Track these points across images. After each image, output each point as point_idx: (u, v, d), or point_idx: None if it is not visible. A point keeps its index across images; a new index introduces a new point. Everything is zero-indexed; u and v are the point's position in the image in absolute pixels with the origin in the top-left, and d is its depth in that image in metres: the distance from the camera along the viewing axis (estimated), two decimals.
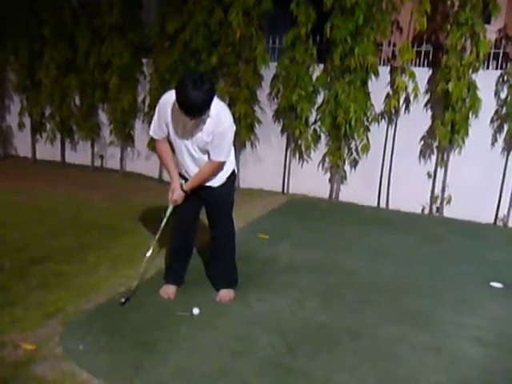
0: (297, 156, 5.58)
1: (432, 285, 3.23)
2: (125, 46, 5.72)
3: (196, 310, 2.67)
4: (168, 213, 2.75)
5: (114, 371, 2.16)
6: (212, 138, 2.49)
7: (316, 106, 5.31)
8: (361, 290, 3.10)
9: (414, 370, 2.30)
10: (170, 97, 2.49)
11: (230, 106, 4.95)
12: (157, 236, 2.82)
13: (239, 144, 5.50)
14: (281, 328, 2.57)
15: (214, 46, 5.36)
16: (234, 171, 2.81)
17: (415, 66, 5.02)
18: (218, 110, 2.48)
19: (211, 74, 5.32)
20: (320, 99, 5.27)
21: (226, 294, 2.85)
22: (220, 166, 2.63)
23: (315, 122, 5.35)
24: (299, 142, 5.43)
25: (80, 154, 6.67)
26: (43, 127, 6.72)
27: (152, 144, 5.77)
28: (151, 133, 2.68)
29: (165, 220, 2.75)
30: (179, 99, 2.32)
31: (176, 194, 2.68)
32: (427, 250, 3.91)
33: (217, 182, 2.73)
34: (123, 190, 5.54)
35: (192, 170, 2.67)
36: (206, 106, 2.34)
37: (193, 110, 2.32)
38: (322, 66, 5.22)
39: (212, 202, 2.77)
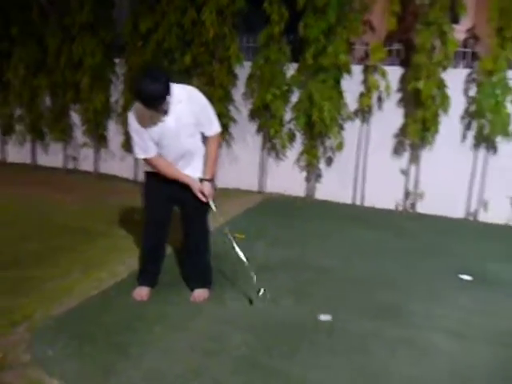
0: (273, 155, 5.59)
1: (404, 279, 3.29)
2: (96, 44, 5.62)
3: (325, 317, 2.71)
4: (213, 206, 2.78)
5: (84, 377, 2.13)
6: (196, 117, 2.61)
7: (291, 105, 5.33)
8: (334, 287, 3.12)
9: (386, 363, 2.33)
10: (134, 112, 2.57)
11: None
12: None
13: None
14: (255, 327, 2.57)
15: (187, 45, 5.32)
16: None
17: (389, 65, 5.09)
18: (189, 92, 2.62)
19: (185, 73, 5.28)
20: (295, 98, 5.29)
21: (200, 293, 2.84)
22: (220, 137, 2.82)
23: (290, 121, 5.37)
24: (275, 141, 5.45)
25: (52, 156, 6.52)
26: (12, 129, 6.55)
27: (126, 145, 5.69)
28: (141, 156, 2.66)
29: (214, 208, 2.79)
30: (139, 94, 2.41)
31: (207, 190, 2.70)
32: (400, 245, 3.97)
33: (198, 170, 2.74)
34: (97, 192, 5.46)
35: (183, 166, 2.70)
36: (165, 94, 2.42)
37: (153, 100, 2.41)
38: (296, 65, 5.24)
39: (190, 199, 2.74)
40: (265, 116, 5.38)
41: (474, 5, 5.72)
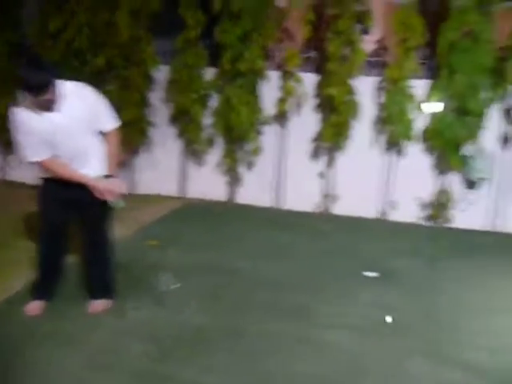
0: (193, 160, 5.53)
1: (313, 280, 3.36)
2: (1, 44, 5.26)
3: (389, 318, 2.71)
4: (119, 204, 2.62)
5: None
6: (90, 113, 2.50)
7: (210, 110, 5.31)
8: (244, 290, 3.13)
9: (288, 364, 2.36)
10: (20, 109, 2.39)
11: (120, 110, 4.73)
12: None
13: (131, 149, 5.34)
14: (156, 336, 2.49)
15: (99, 46, 5.12)
16: None
17: (305, 71, 5.22)
18: (80, 87, 2.53)
19: (98, 75, 5.07)
20: (213, 103, 5.28)
21: (98, 304, 2.71)
22: (119, 132, 2.69)
23: (210, 125, 5.35)
24: (195, 145, 5.39)
25: None
26: None
27: None
28: (32, 159, 2.47)
29: (122, 204, 2.63)
30: (28, 81, 2.27)
31: (110, 186, 2.55)
32: (313, 247, 4.07)
33: (97, 170, 2.60)
34: (3, 200, 5.09)
35: (79, 166, 2.55)
36: (48, 82, 2.30)
37: (37, 88, 2.26)
38: (214, 69, 5.24)
39: (90, 202, 2.60)
40: (184, 120, 5.31)
41: (383, 17, 6.07)
